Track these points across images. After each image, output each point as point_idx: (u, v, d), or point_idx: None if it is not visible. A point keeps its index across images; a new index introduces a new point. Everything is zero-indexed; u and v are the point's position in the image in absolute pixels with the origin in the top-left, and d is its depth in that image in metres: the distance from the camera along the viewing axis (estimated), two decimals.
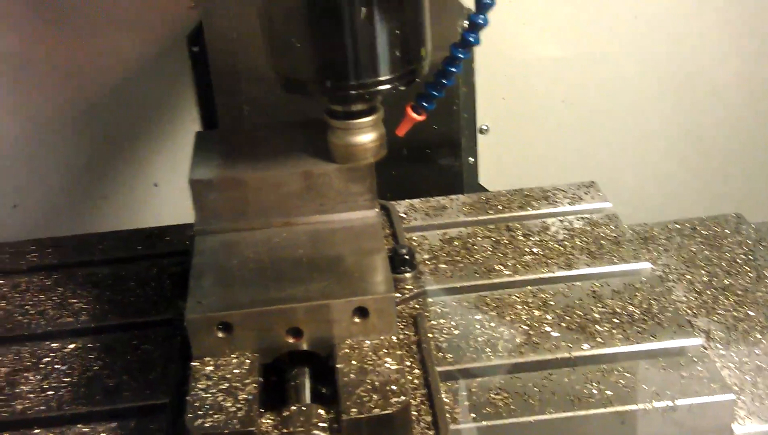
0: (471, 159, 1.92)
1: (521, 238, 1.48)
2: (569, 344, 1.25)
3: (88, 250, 1.54)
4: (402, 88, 1.15)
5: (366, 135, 1.19)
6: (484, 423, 1.14)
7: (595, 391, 1.17)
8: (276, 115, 1.60)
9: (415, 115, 1.20)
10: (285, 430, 1.02)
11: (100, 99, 1.86)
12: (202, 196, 1.23)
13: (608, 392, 1.17)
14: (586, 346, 1.24)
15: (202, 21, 1.67)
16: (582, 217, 1.52)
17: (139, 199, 1.97)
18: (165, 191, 1.96)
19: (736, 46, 2.00)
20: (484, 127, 1.95)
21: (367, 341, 1.10)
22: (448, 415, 1.14)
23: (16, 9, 1.77)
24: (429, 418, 1.13)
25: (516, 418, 1.14)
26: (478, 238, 1.49)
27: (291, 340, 1.10)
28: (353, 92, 1.13)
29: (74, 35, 1.80)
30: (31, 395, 1.23)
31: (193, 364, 1.09)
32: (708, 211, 1.63)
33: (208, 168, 1.24)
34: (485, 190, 1.84)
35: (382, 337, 1.11)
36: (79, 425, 1.18)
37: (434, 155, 1.82)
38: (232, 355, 1.09)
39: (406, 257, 1.35)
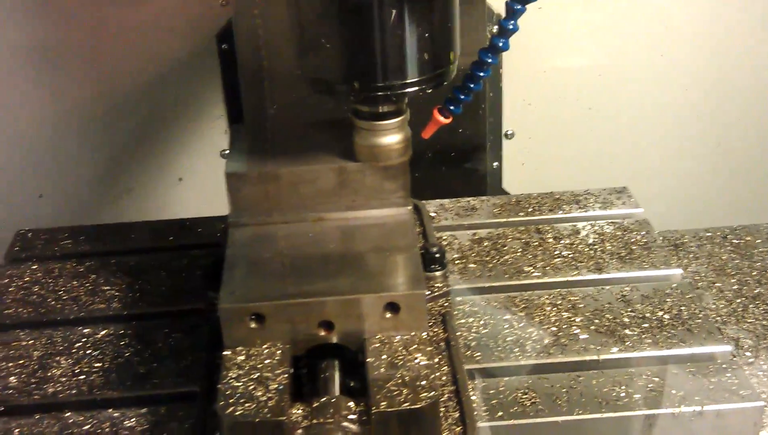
0: (495, 163, 1.93)
1: (551, 240, 1.49)
2: (598, 347, 1.25)
3: (120, 239, 1.56)
4: (429, 90, 1.15)
5: (391, 136, 1.20)
6: (511, 422, 1.14)
7: (623, 394, 1.17)
8: (302, 114, 1.61)
9: (441, 119, 1.20)
10: (315, 421, 1.03)
11: (128, 93, 1.88)
12: (237, 188, 1.23)
13: (636, 396, 1.17)
14: (614, 349, 1.25)
15: (233, 19, 1.68)
16: (613, 222, 1.52)
17: (164, 193, 1.99)
18: (189, 186, 1.97)
19: (766, 54, 1.98)
20: (510, 132, 1.95)
21: (397, 336, 1.11)
22: (475, 412, 1.15)
23: (50, 5, 1.79)
24: (456, 415, 1.14)
25: (543, 418, 1.15)
26: (508, 240, 1.49)
27: (322, 333, 1.11)
28: (380, 94, 1.13)
29: (105, 29, 1.81)
30: (63, 379, 1.25)
31: (224, 353, 1.10)
32: (738, 221, 1.63)
33: (244, 161, 1.25)
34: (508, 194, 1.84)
35: (412, 333, 1.11)
36: (109, 410, 1.20)
37: (459, 159, 1.82)
38: (264, 346, 1.10)
39: (437, 256, 1.35)
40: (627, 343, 1.25)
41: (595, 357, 1.23)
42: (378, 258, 1.17)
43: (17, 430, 1.17)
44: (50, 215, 1.91)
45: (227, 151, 1.89)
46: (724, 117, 2.02)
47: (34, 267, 1.48)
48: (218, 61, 1.82)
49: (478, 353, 1.26)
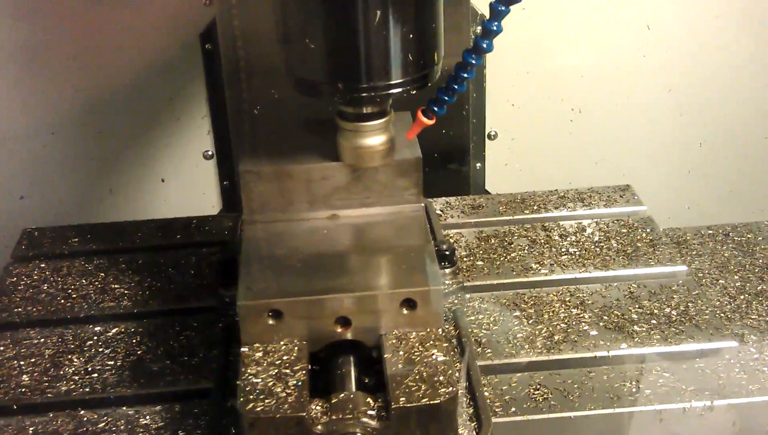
0: (478, 164, 1.94)
1: (557, 238, 1.50)
2: (607, 343, 1.26)
3: (127, 237, 1.56)
4: (413, 92, 1.15)
5: (375, 138, 1.20)
6: (525, 417, 1.15)
7: (634, 390, 1.19)
8: (287, 115, 1.61)
9: (425, 120, 1.19)
10: (334, 416, 1.03)
11: (111, 93, 1.87)
12: (251, 186, 1.24)
13: (647, 391, 1.18)
14: (624, 345, 1.26)
15: (216, 19, 1.69)
16: (617, 220, 1.54)
17: (146, 194, 1.98)
18: (172, 187, 1.97)
19: (751, 52, 1.99)
20: (493, 133, 1.96)
21: (413, 333, 1.12)
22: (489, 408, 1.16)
23: (32, 3, 1.78)
24: (471, 411, 1.15)
25: (556, 413, 1.16)
26: (515, 237, 1.51)
27: (339, 330, 1.12)
28: (365, 95, 1.13)
29: (87, 29, 1.80)
30: (76, 377, 1.25)
31: (242, 349, 1.10)
32: (726, 219, 1.65)
33: (258, 159, 1.25)
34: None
35: (428, 330, 1.12)
36: (124, 408, 1.20)
37: (442, 160, 1.83)
38: (281, 342, 1.11)
39: (447, 253, 1.36)
40: (636, 339, 1.27)
41: (605, 353, 1.25)
42: (393, 254, 1.18)
43: (32, 428, 1.17)
44: (31, 216, 1.90)
45: (210, 152, 1.90)
46: (708, 117, 2.04)
47: (42, 265, 1.48)
48: (202, 61, 1.81)
49: (489, 350, 1.27)
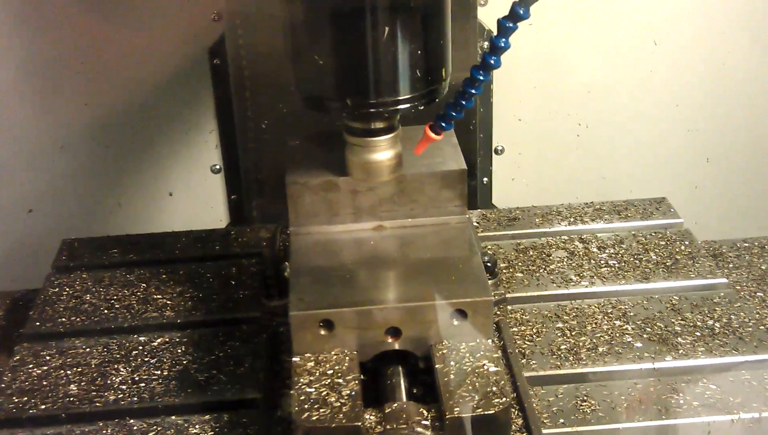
0: (485, 179, 1.94)
1: (595, 250, 1.50)
2: (652, 355, 1.27)
3: (166, 248, 1.57)
4: (421, 107, 1.16)
5: (383, 153, 1.21)
6: (574, 429, 1.16)
7: (681, 401, 1.19)
8: (295, 129, 1.62)
9: (433, 135, 1.20)
10: (388, 426, 1.04)
11: (119, 107, 1.87)
12: (298, 197, 1.25)
13: (695, 403, 1.19)
14: (668, 357, 1.26)
15: (225, 34, 1.70)
16: (655, 232, 1.54)
17: (154, 207, 1.98)
18: (180, 201, 1.97)
19: (759, 67, 1.98)
20: (500, 148, 1.97)
21: (463, 343, 1.12)
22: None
23: (41, 19, 1.79)
24: (520, 422, 1.16)
25: (605, 425, 1.16)
26: (553, 249, 1.51)
27: (389, 340, 1.12)
28: (373, 110, 1.14)
29: (96, 45, 1.81)
30: (123, 386, 1.25)
31: (294, 359, 1.11)
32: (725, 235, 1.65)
33: (304, 170, 1.26)
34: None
35: (478, 340, 1.13)
36: (173, 417, 1.20)
37: None
38: (332, 352, 1.12)
39: (488, 265, 1.37)
40: (680, 351, 1.27)
41: (650, 365, 1.25)
42: (441, 265, 1.19)
43: None
44: (40, 230, 1.90)
45: (218, 166, 1.91)
46: (715, 132, 2.03)
47: (84, 276, 1.49)
48: (210, 75, 1.82)
49: (534, 361, 1.27)
